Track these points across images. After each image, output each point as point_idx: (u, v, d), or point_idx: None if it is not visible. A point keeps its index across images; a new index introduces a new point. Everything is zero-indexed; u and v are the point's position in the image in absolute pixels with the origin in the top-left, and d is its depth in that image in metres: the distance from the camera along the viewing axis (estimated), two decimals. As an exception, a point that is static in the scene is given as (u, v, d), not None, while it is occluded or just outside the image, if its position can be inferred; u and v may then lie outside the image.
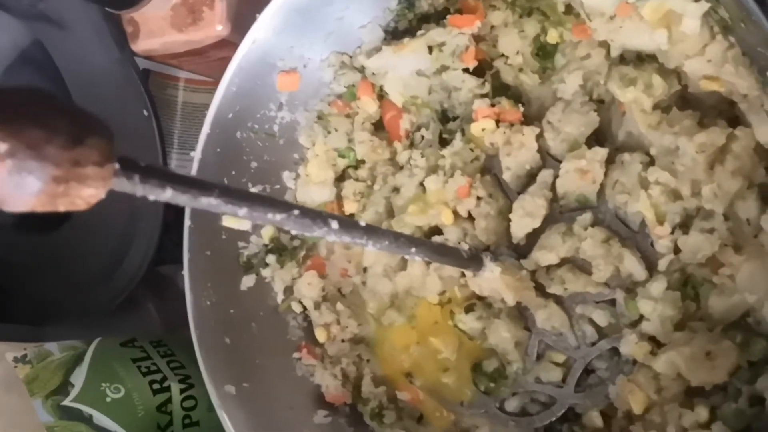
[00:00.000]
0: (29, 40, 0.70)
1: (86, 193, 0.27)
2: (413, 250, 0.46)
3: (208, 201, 0.32)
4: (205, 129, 0.57)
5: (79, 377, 0.60)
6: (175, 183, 0.31)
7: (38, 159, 0.25)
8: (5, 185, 0.25)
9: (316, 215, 0.38)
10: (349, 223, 0.41)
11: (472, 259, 0.54)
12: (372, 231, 0.42)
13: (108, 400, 0.59)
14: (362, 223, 0.42)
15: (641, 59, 0.50)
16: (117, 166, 0.28)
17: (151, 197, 0.31)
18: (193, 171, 0.57)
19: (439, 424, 0.60)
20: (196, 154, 0.57)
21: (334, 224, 0.39)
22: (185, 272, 0.57)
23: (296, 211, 0.37)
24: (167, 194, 0.31)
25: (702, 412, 0.46)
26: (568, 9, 0.54)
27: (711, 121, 0.49)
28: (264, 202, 0.35)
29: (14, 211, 0.26)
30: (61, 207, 0.27)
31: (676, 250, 0.50)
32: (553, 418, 0.56)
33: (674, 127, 0.49)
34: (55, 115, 0.25)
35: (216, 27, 0.57)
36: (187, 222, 0.57)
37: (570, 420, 0.56)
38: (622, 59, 0.51)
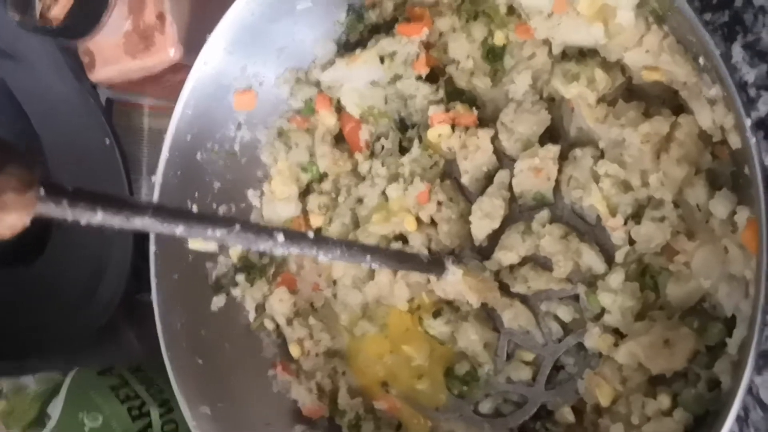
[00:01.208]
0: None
1: (8, 221, 0.27)
2: (368, 257, 0.46)
3: (141, 221, 0.33)
4: (164, 153, 0.58)
5: (56, 408, 0.60)
6: (106, 205, 0.31)
7: (-48, 189, 0.25)
8: None
9: (260, 229, 0.39)
10: (296, 235, 0.41)
11: (434, 264, 0.54)
12: (321, 241, 0.43)
13: (86, 429, 0.60)
14: (310, 234, 0.42)
15: (583, 54, 0.51)
16: (42, 191, 0.29)
17: (83, 221, 0.31)
18: (155, 195, 0.58)
19: (417, 431, 0.61)
20: (157, 179, 0.58)
21: (280, 237, 0.39)
22: (153, 296, 0.58)
23: (237, 226, 0.37)
24: (98, 217, 0.31)
25: (664, 400, 0.46)
26: (510, 10, 0.54)
27: (656, 111, 0.49)
28: (202, 219, 0.36)
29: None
30: (-17, 235, 0.27)
31: (631, 241, 0.51)
32: (526, 417, 0.56)
33: (620, 119, 0.50)
34: (-33, 145, 0.26)
35: (168, 51, 0.58)
36: (152, 247, 0.58)
37: (543, 417, 0.56)
38: (565, 56, 0.52)
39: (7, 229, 0.28)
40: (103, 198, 0.31)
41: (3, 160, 0.27)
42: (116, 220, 0.32)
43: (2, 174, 0.27)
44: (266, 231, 0.39)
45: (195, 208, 0.58)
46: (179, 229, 0.34)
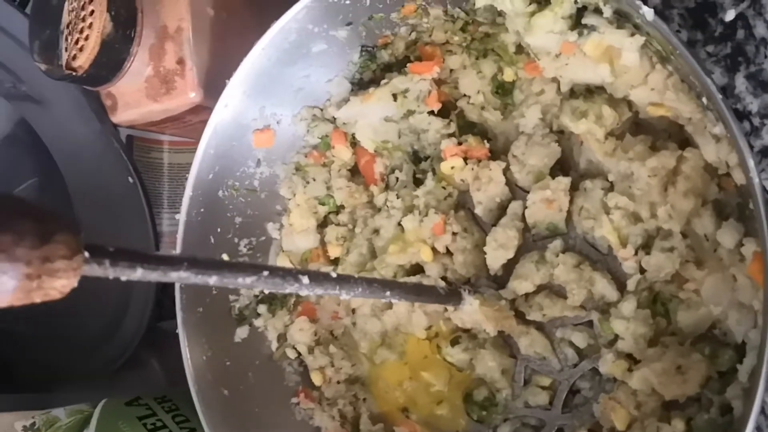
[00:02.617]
0: (14, 120, 0.74)
1: (59, 285, 0.29)
2: (388, 293, 0.48)
3: (177, 275, 0.35)
4: (188, 192, 0.59)
5: (87, 440, 0.62)
6: (144, 262, 0.33)
7: (10, 261, 0.27)
8: (-18, 286, 0.27)
9: (286, 273, 0.41)
10: (319, 276, 0.43)
11: (451, 295, 0.56)
12: (344, 280, 0.45)
13: (117, 459, 0.62)
14: (333, 275, 0.44)
15: (591, 91, 0.53)
16: (86, 254, 0.31)
17: (123, 278, 0.33)
18: (179, 233, 0.59)
19: (438, 455, 0.62)
20: (181, 217, 0.59)
21: (305, 279, 0.41)
22: (179, 330, 0.59)
23: (265, 273, 0.39)
24: (138, 273, 0.33)
25: (678, 425, 0.48)
26: (519, 49, 0.56)
27: (663, 145, 0.51)
28: (233, 268, 0.38)
29: (-6, 307, 0.28)
30: (37, 299, 0.29)
31: (642, 270, 0.52)
32: (544, 440, 0.58)
33: (628, 152, 0.51)
34: (22, 219, 0.28)
35: (189, 94, 0.60)
36: (177, 283, 0.60)
37: (560, 441, 0.57)
38: (573, 93, 0.54)
39: (58, 292, 0.30)
40: (142, 256, 0.33)
41: (52, 229, 0.29)
42: (154, 276, 0.34)
43: (52, 243, 0.29)
44: (292, 274, 0.41)
45: (222, 253, 0.60)
46: (212, 280, 0.36)
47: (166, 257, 0.35)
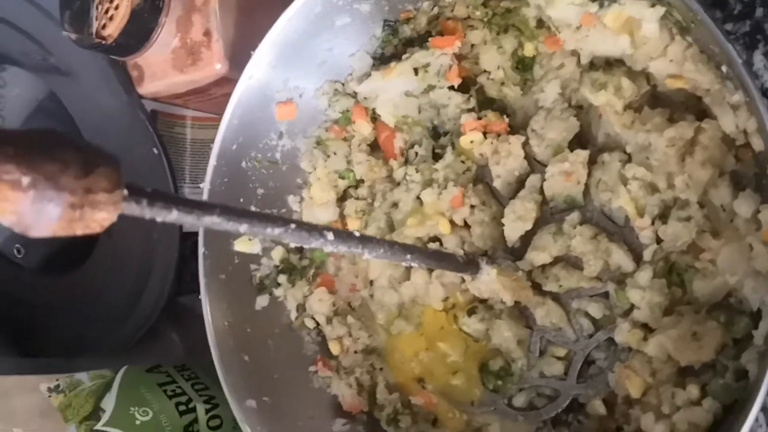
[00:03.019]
0: (45, 94, 0.75)
1: (99, 217, 0.31)
2: (408, 257, 0.49)
3: (211, 219, 0.36)
4: (212, 161, 0.61)
5: (109, 403, 0.63)
6: (180, 205, 0.34)
7: (55, 189, 0.28)
8: (29, 213, 0.28)
9: (312, 228, 0.42)
10: (343, 234, 0.44)
11: (469, 264, 0.57)
12: (367, 240, 0.46)
13: (137, 422, 0.63)
14: (356, 233, 0.45)
15: (610, 64, 0.54)
16: (126, 192, 0.32)
17: (159, 219, 0.34)
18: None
19: (453, 425, 0.63)
20: (205, 185, 0.61)
21: (330, 235, 0.42)
22: (202, 296, 0.61)
23: (293, 225, 0.40)
24: (173, 215, 0.34)
25: (693, 390, 0.49)
26: (540, 23, 0.57)
27: (680, 117, 0.52)
28: (262, 218, 0.39)
29: (38, 236, 0.29)
30: (78, 231, 0.30)
31: (659, 240, 0.53)
32: (559, 410, 0.58)
33: (646, 125, 0.52)
34: (67, 150, 0.29)
35: (215, 66, 0.61)
36: (201, 249, 0.61)
37: (575, 410, 0.58)
38: (593, 65, 0.55)
39: (98, 225, 0.31)
40: (178, 199, 0.34)
41: (95, 162, 0.30)
42: (188, 219, 0.35)
43: (95, 174, 0.30)
44: (317, 230, 0.42)
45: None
46: (243, 227, 0.37)
47: (201, 202, 0.36)
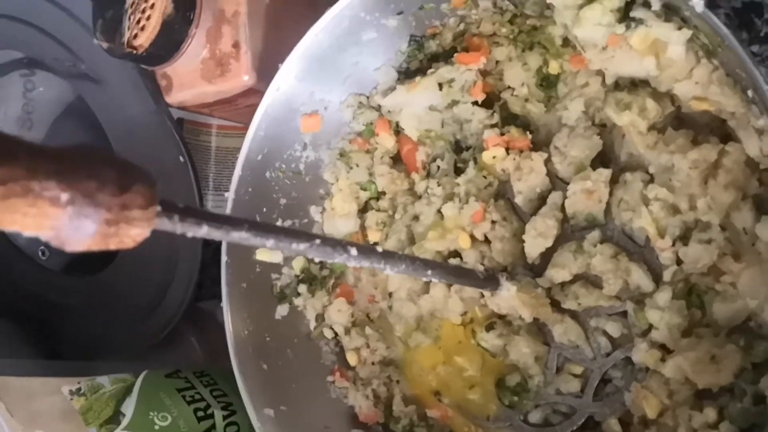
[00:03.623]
0: (73, 97, 0.76)
1: (133, 233, 0.31)
2: (429, 272, 0.49)
3: (239, 235, 0.37)
4: (237, 171, 0.61)
5: (129, 407, 0.64)
6: (210, 221, 0.35)
7: (93, 205, 0.29)
8: (66, 229, 0.29)
9: (336, 243, 0.42)
10: (366, 250, 0.44)
11: (489, 279, 0.57)
12: (389, 256, 0.46)
13: (156, 427, 0.64)
14: (379, 249, 0.45)
15: (635, 84, 0.54)
16: (159, 208, 0.33)
17: (190, 234, 0.35)
18: (228, 210, 0.62)
19: (468, 439, 0.64)
20: (230, 195, 0.62)
21: (353, 251, 0.43)
22: (224, 304, 0.61)
23: (318, 241, 0.41)
24: (203, 230, 0.35)
25: (710, 413, 0.49)
26: (566, 42, 0.58)
27: (704, 139, 0.52)
28: (288, 234, 0.40)
29: (74, 250, 0.30)
30: (112, 246, 0.31)
31: (679, 262, 0.53)
32: (574, 428, 0.58)
33: (669, 146, 0.52)
34: (105, 167, 0.30)
35: (243, 77, 0.62)
36: (224, 258, 0.62)
37: (590, 428, 0.58)
38: (618, 85, 0.55)
39: (131, 240, 0.32)
40: (208, 215, 0.35)
41: (132, 179, 0.31)
42: (218, 234, 0.36)
43: (131, 192, 0.31)
44: (341, 245, 0.43)
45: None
46: (270, 243, 0.38)
47: (231, 218, 0.37)
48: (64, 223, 0.29)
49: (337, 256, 0.42)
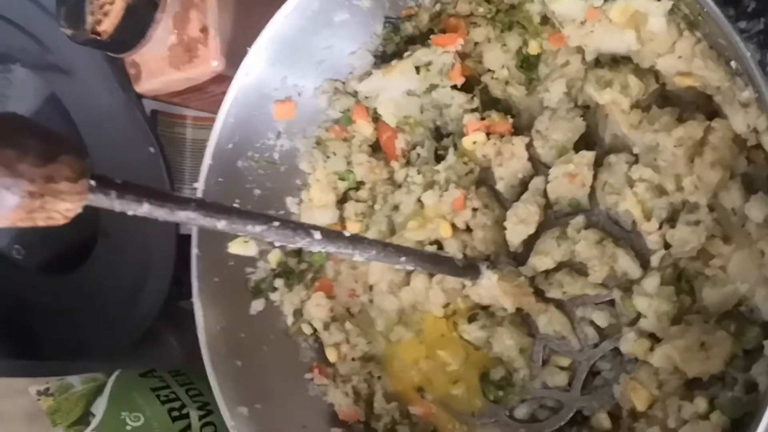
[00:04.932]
0: (45, 96, 0.74)
1: (62, 207, 0.29)
2: (402, 259, 0.47)
3: (185, 214, 0.34)
4: (207, 160, 0.59)
5: (99, 407, 0.62)
6: (152, 198, 0.33)
7: (12, 176, 0.27)
8: (-16, 202, 0.27)
9: (297, 226, 0.40)
10: (332, 234, 0.42)
11: (468, 268, 0.55)
12: (357, 240, 0.44)
13: (128, 428, 0.61)
14: (346, 233, 0.43)
15: (616, 61, 0.52)
16: (93, 182, 0.30)
17: (129, 212, 0.33)
18: (198, 201, 0.59)
19: (452, 437, 0.61)
20: (199, 185, 0.59)
21: (317, 234, 0.41)
22: (194, 299, 0.59)
23: (276, 223, 0.39)
24: (144, 208, 0.33)
25: (701, 403, 0.46)
26: (544, 20, 0.55)
27: (690, 116, 0.50)
28: (242, 215, 0.37)
29: (-4, 226, 0.28)
30: (40, 222, 0.29)
31: (667, 245, 0.51)
32: (562, 423, 0.56)
33: (654, 124, 0.50)
34: (25, 136, 0.28)
35: (211, 63, 0.60)
36: (194, 250, 0.59)
37: (579, 423, 0.56)
38: (598, 63, 0.53)
39: (61, 216, 0.29)
40: (150, 191, 0.33)
41: (57, 150, 0.29)
42: (161, 212, 0.33)
43: (56, 163, 0.29)
44: (303, 228, 0.40)
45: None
46: (221, 224, 0.36)
47: (175, 196, 0.34)
48: (-19, 195, 0.27)
49: (299, 240, 0.40)
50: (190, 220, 0.35)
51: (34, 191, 0.28)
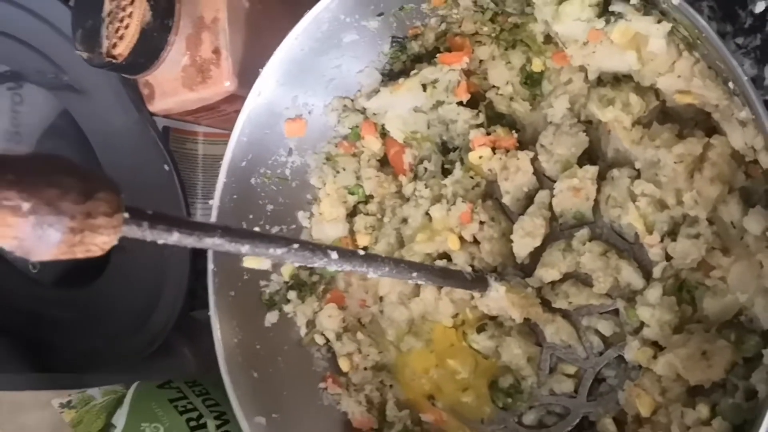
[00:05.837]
0: (60, 110, 0.76)
1: (99, 241, 0.31)
2: (414, 274, 0.49)
3: (212, 241, 0.36)
4: (221, 178, 0.61)
5: (120, 419, 0.63)
6: (181, 227, 0.35)
7: (55, 213, 0.29)
8: (30, 238, 0.29)
9: (315, 247, 0.42)
10: (348, 253, 0.44)
11: (477, 281, 0.56)
12: (371, 258, 0.46)
13: (148, 439, 0.63)
14: (361, 252, 0.45)
15: (618, 80, 0.53)
16: (126, 215, 0.32)
17: (160, 241, 0.34)
18: (213, 218, 0.61)
19: (463, 443, 0.63)
20: (214, 202, 0.61)
21: (334, 255, 0.42)
22: (211, 312, 0.61)
23: (296, 245, 0.40)
24: (174, 237, 0.34)
25: (703, 410, 0.48)
26: (548, 39, 0.57)
27: (690, 133, 0.52)
28: (264, 239, 0.39)
29: (39, 260, 0.30)
30: (79, 254, 0.31)
31: (668, 257, 0.53)
32: (569, 428, 0.58)
33: (655, 140, 0.52)
34: (66, 175, 0.29)
35: (224, 83, 0.62)
36: (210, 266, 0.61)
37: (585, 428, 0.58)
38: (601, 81, 0.55)
39: (99, 248, 0.31)
40: (179, 221, 0.35)
41: (94, 187, 0.30)
42: (189, 240, 0.35)
43: (94, 200, 0.30)
44: (321, 249, 0.42)
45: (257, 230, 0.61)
46: (245, 248, 0.38)
47: (202, 224, 0.36)
48: (28, 232, 0.29)
49: (317, 260, 0.42)
50: (217, 246, 0.36)
51: (75, 227, 0.29)
